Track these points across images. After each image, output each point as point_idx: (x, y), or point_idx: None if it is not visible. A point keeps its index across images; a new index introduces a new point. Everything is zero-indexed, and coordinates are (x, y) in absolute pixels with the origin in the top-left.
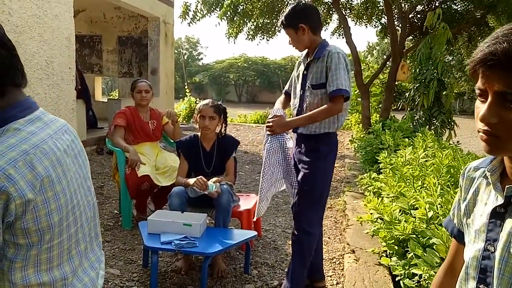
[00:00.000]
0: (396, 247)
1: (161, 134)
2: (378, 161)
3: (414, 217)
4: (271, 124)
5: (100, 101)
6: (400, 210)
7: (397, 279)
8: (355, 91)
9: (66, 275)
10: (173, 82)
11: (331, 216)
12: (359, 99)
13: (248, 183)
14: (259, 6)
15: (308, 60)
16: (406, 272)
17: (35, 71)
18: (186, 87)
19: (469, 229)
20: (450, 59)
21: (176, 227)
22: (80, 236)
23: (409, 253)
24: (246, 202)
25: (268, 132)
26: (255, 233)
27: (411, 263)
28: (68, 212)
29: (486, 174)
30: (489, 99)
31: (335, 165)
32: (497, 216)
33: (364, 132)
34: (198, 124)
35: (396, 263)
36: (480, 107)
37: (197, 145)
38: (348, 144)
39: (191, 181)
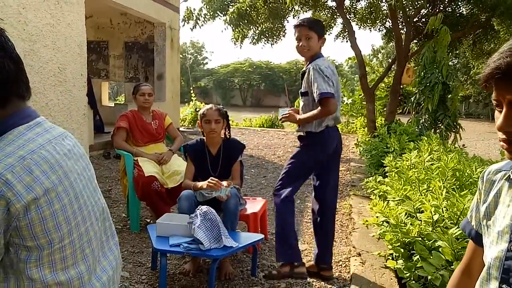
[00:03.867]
0: (402, 250)
1: (164, 133)
2: (384, 165)
3: (420, 220)
4: (287, 114)
5: (107, 105)
6: (406, 213)
7: (403, 281)
8: (360, 95)
9: (82, 274)
10: (179, 87)
11: (337, 220)
12: (364, 103)
13: (254, 187)
14: (263, 11)
15: (304, 69)
16: (412, 274)
17: (49, 78)
18: (191, 91)
19: (489, 230)
20: (455, 62)
21: (184, 230)
22: (92, 235)
23: (415, 256)
24: (252, 206)
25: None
26: (262, 236)
27: (417, 265)
28: (74, 211)
29: (510, 176)
30: (504, 109)
31: (341, 168)
32: None
33: (370, 135)
34: (203, 130)
35: (402, 266)
36: (499, 117)
37: (203, 150)
38: (353, 147)
39: (200, 184)
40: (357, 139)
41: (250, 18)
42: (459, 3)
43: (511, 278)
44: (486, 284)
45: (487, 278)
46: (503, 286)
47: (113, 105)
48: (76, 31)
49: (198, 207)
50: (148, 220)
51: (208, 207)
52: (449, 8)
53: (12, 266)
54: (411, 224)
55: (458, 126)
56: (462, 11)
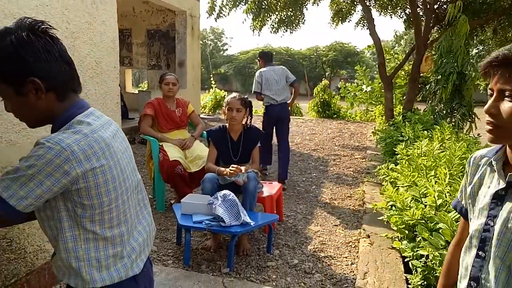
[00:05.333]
0: (406, 232)
1: (187, 120)
2: (396, 153)
3: (425, 205)
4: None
5: (131, 92)
6: (412, 198)
7: (406, 260)
8: (379, 83)
9: (123, 234)
10: (200, 74)
11: (350, 205)
12: (384, 91)
13: (272, 172)
14: (282, 0)
15: None
16: (414, 254)
17: (87, 70)
18: (211, 78)
19: (473, 208)
20: (481, 48)
21: (206, 209)
22: (131, 203)
23: (418, 237)
24: (269, 189)
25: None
26: (277, 216)
27: (419, 245)
28: (120, 182)
29: (492, 162)
30: (494, 95)
31: (357, 156)
32: (498, 197)
33: (387, 124)
34: (226, 116)
35: (406, 246)
36: (489, 101)
37: (225, 136)
38: (371, 136)
39: (223, 170)
40: (375, 127)
41: (269, 7)
42: None
43: (486, 246)
44: (468, 251)
45: (469, 246)
46: (479, 252)
47: (137, 92)
48: (109, 28)
49: (218, 191)
50: (172, 202)
51: (227, 190)
52: None
53: (71, 220)
54: (415, 208)
55: (473, 116)
56: None
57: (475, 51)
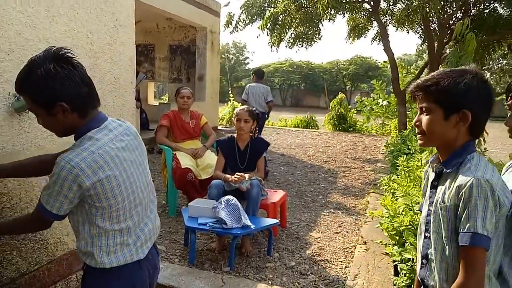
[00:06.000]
0: (397, 238)
1: (200, 131)
2: (398, 165)
3: (415, 212)
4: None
5: (153, 104)
6: (406, 207)
7: (394, 263)
8: (395, 97)
9: (129, 226)
10: (218, 87)
11: (353, 214)
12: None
13: (281, 182)
14: (297, 16)
15: None
16: (402, 258)
17: (107, 85)
18: (230, 92)
19: (424, 201)
20: (504, 63)
21: (211, 212)
22: (138, 202)
23: (406, 242)
24: (273, 196)
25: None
26: (277, 220)
27: (406, 250)
28: (126, 187)
29: (429, 163)
30: (418, 111)
31: (367, 169)
32: (433, 187)
33: (398, 138)
34: (235, 126)
35: (396, 250)
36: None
37: (233, 145)
38: (383, 149)
39: (229, 177)
40: (387, 140)
41: (284, 23)
42: (496, 4)
43: (429, 228)
44: (420, 235)
45: (419, 232)
46: (426, 234)
47: (157, 104)
48: (127, 48)
49: (223, 197)
50: (184, 207)
51: (230, 196)
52: (486, 10)
53: (87, 217)
54: (405, 215)
55: None
56: (501, 12)
57: (499, 65)
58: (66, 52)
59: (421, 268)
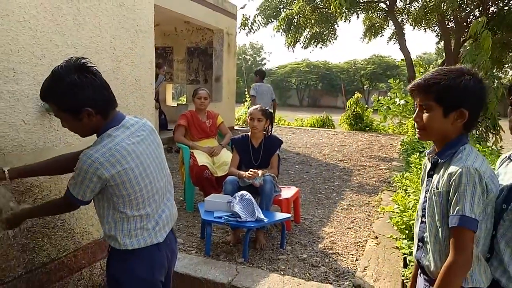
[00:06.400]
0: (407, 232)
1: (216, 131)
2: (411, 162)
3: None
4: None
5: (171, 105)
6: (416, 202)
7: (403, 256)
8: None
9: (148, 213)
10: (235, 88)
11: (366, 211)
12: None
13: (296, 180)
14: (313, 17)
15: None
16: (410, 251)
17: (128, 86)
18: (246, 92)
19: (421, 190)
20: None
21: (226, 207)
22: (155, 191)
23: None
24: (286, 193)
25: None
26: (289, 215)
27: None
28: (143, 177)
29: (426, 155)
30: (417, 108)
31: (382, 167)
32: (429, 176)
33: (414, 136)
34: (249, 125)
35: (405, 244)
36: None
37: (247, 143)
38: (399, 148)
39: (243, 173)
40: (403, 139)
41: (299, 24)
42: None
43: (425, 214)
44: (417, 221)
45: (416, 218)
46: (423, 219)
47: (176, 105)
48: (147, 51)
49: (237, 192)
50: (200, 203)
51: (245, 191)
52: (506, 8)
53: (110, 204)
54: (414, 210)
55: (498, 128)
56: None
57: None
58: (86, 61)
59: (417, 250)
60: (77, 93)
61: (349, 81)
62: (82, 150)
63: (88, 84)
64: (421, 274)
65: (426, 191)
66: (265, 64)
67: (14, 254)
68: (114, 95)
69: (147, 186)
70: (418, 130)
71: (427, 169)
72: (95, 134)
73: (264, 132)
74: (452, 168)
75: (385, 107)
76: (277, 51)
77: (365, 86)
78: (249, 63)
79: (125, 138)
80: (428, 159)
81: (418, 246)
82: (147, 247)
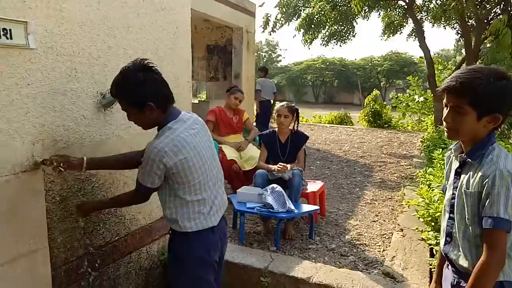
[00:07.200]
0: (432, 224)
1: (242, 126)
2: (434, 158)
3: None
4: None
5: (193, 102)
6: (441, 195)
7: (430, 247)
8: (431, 93)
9: (204, 198)
10: (253, 85)
11: (389, 205)
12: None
13: (318, 176)
14: (332, 15)
15: None
16: (437, 241)
17: (169, 84)
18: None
19: (447, 185)
20: None
21: (257, 198)
22: (209, 178)
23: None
24: (312, 186)
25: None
26: (318, 207)
27: None
28: (200, 166)
29: (452, 151)
30: (448, 109)
31: (403, 163)
32: (457, 174)
33: (435, 133)
34: (276, 122)
35: (431, 235)
36: (445, 112)
37: (274, 138)
38: (419, 145)
39: (272, 167)
40: (423, 136)
41: (319, 23)
42: None
43: (454, 210)
44: (444, 216)
45: (443, 212)
46: (451, 215)
47: (197, 102)
48: (185, 52)
49: (268, 185)
50: (228, 196)
51: (275, 184)
52: None
53: (172, 191)
54: (440, 202)
55: None
56: None
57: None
58: (148, 62)
59: (445, 244)
60: (141, 89)
61: (365, 78)
62: (143, 149)
63: (151, 81)
64: (448, 266)
65: (453, 188)
66: (280, 61)
67: (77, 236)
68: (171, 92)
69: (203, 174)
70: (447, 130)
71: (453, 166)
72: (144, 130)
73: (290, 128)
74: (484, 170)
75: (404, 104)
76: (292, 48)
77: (382, 83)
78: (265, 60)
79: (183, 131)
80: (455, 156)
81: (446, 240)
82: (204, 230)
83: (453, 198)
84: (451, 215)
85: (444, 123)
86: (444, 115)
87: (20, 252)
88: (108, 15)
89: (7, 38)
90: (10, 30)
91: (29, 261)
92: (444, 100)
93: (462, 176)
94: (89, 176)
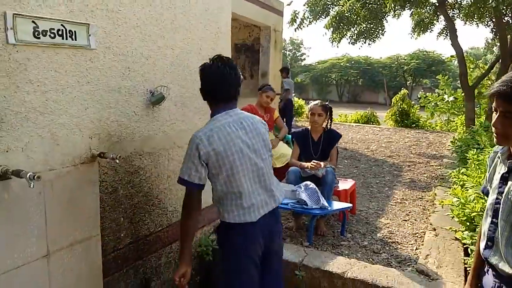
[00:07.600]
0: (468, 224)
1: (273, 124)
2: (468, 158)
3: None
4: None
5: None
6: (475, 195)
7: (464, 246)
8: (462, 92)
9: (241, 192)
10: (280, 83)
11: (420, 205)
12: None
13: (346, 174)
14: (362, 13)
15: None
16: (472, 241)
17: None
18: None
19: (490, 188)
20: None
21: (291, 194)
22: (246, 172)
23: (477, 228)
24: (344, 185)
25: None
26: (350, 204)
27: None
28: (234, 159)
29: (499, 155)
30: (498, 114)
31: (433, 164)
32: (503, 179)
33: (467, 133)
34: (309, 120)
35: (466, 235)
36: (494, 117)
37: (307, 136)
38: (449, 145)
39: (305, 164)
40: (454, 136)
41: (349, 21)
42: None
43: (498, 215)
44: (485, 219)
45: (485, 216)
46: (494, 219)
47: None
48: (225, 51)
49: (301, 182)
50: None
51: (308, 181)
52: None
53: (213, 182)
54: (476, 202)
55: None
56: None
57: None
58: (225, 58)
59: (485, 249)
60: (202, 81)
61: (391, 77)
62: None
63: (227, 74)
64: (489, 271)
65: (498, 193)
66: (304, 59)
67: (125, 225)
68: (234, 90)
69: (237, 167)
70: (496, 135)
71: (500, 170)
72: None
73: (323, 127)
74: None
75: (432, 104)
76: (316, 46)
77: (408, 82)
78: (289, 58)
79: (225, 124)
80: (502, 161)
81: (487, 245)
82: (245, 223)
83: (497, 203)
84: (493, 219)
85: (493, 128)
86: (493, 120)
87: (76, 238)
88: (159, 16)
89: (72, 39)
90: (74, 31)
91: (84, 248)
92: (493, 105)
93: (510, 182)
94: (138, 169)
